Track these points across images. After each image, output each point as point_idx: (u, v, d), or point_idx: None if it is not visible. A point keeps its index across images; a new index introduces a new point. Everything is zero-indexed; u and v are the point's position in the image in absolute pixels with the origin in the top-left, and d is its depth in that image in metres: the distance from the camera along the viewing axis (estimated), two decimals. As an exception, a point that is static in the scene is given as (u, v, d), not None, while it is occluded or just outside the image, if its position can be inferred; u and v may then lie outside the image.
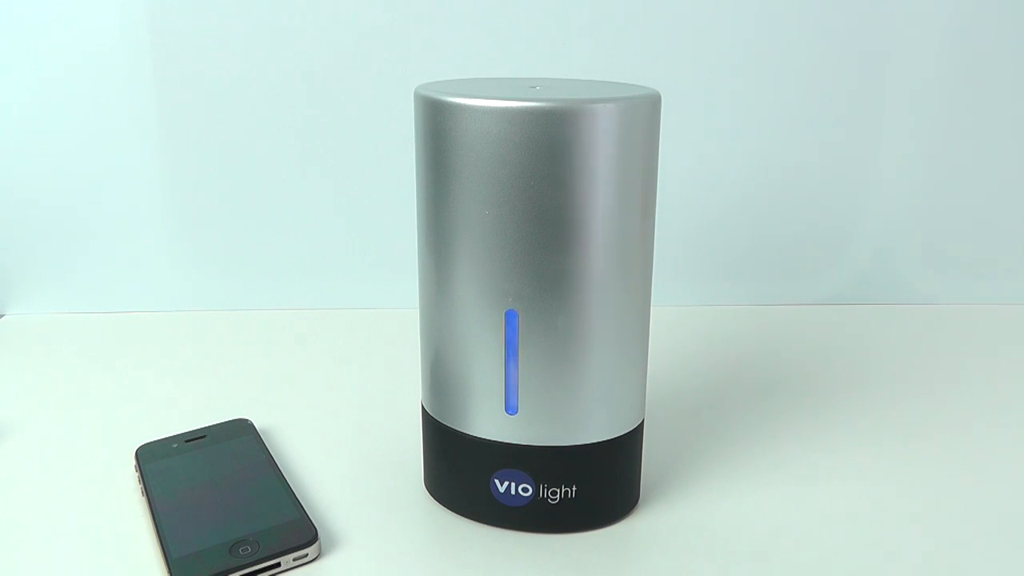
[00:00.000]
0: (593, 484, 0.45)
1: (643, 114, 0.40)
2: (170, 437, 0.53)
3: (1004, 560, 0.44)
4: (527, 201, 0.40)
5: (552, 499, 0.44)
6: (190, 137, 0.74)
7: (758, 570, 0.43)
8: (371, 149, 0.75)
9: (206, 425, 0.55)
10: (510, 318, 0.42)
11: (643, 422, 0.47)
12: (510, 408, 0.43)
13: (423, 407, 0.48)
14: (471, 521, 0.46)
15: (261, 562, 0.41)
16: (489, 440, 0.44)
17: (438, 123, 0.41)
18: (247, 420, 0.55)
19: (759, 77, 0.75)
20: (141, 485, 0.49)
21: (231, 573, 0.41)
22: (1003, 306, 0.81)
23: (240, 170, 0.75)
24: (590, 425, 0.43)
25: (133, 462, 0.51)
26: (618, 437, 0.45)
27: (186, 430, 0.54)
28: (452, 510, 0.47)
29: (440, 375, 0.45)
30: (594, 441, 0.44)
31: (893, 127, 0.77)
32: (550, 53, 0.73)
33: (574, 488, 0.44)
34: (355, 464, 0.52)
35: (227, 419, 0.56)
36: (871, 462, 0.53)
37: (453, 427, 0.45)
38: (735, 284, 0.81)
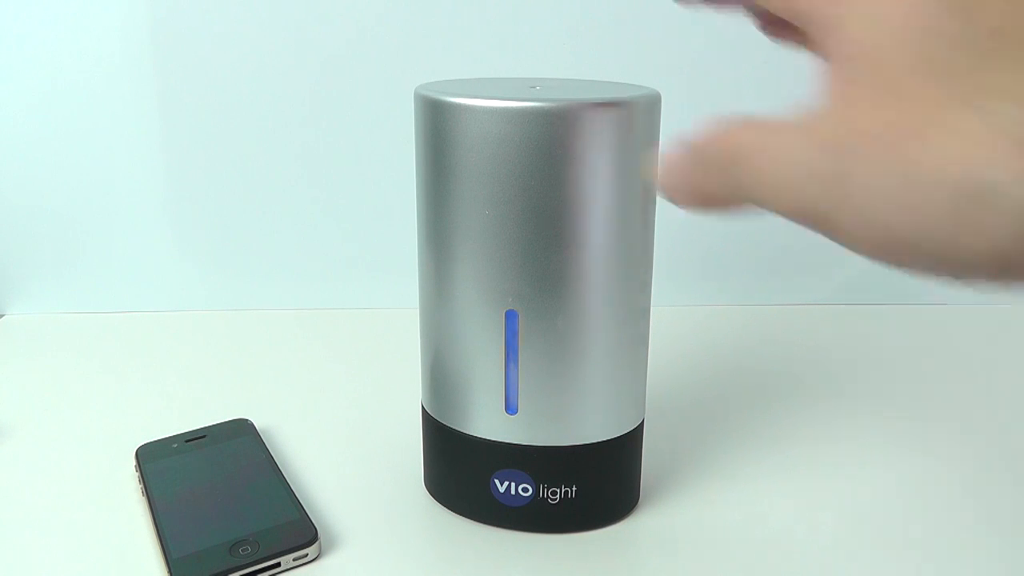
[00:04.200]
0: (593, 484, 0.45)
1: (643, 114, 0.40)
2: (170, 437, 0.53)
3: (1006, 559, 0.44)
4: (527, 201, 0.40)
5: (552, 499, 0.44)
6: (190, 137, 0.74)
7: (758, 570, 0.43)
8: (371, 149, 0.75)
9: (206, 425, 0.55)
10: (510, 318, 0.42)
11: (643, 422, 0.46)
12: (510, 408, 0.43)
13: (423, 407, 0.48)
14: (471, 521, 0.46)
15: (261, 562, 0.41)
16: (489, 440, 0.44)
17: (438, 123, 0.41)
18: (247, 420, 0.55)
19: (759, 77, 0.74)
20: (141, 485, 0.49)
21: (231, 573, 0.41)
22: (1003, 307, 0.81)
23: (240, 170, 0.75)
24: (590, 425, 0.43)
25: (133, 462, 0.51)
26: (618, 437, 0.44)
27: (186, 430, 0.54)
28: (452, 510, 0.47)
29: (440, 375, 0.45)
30: (594, 441, 0.44)
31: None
32: (550, 53, 0.73)
33: (574, 488, 0.44)
34: (355, 464, 0.52)
35: (227, 419, 0.56)
36: (871, 462, 0.53)
37: (453, 427, 0.45)
38: (736, 284, 0.80)
